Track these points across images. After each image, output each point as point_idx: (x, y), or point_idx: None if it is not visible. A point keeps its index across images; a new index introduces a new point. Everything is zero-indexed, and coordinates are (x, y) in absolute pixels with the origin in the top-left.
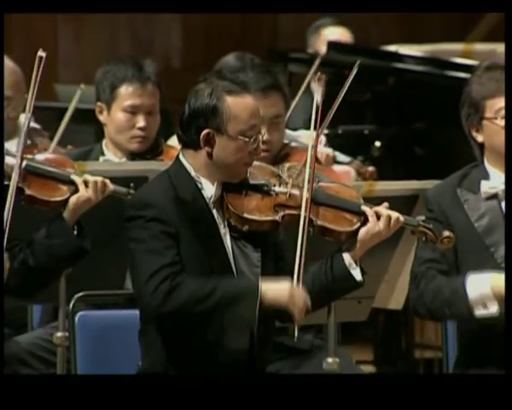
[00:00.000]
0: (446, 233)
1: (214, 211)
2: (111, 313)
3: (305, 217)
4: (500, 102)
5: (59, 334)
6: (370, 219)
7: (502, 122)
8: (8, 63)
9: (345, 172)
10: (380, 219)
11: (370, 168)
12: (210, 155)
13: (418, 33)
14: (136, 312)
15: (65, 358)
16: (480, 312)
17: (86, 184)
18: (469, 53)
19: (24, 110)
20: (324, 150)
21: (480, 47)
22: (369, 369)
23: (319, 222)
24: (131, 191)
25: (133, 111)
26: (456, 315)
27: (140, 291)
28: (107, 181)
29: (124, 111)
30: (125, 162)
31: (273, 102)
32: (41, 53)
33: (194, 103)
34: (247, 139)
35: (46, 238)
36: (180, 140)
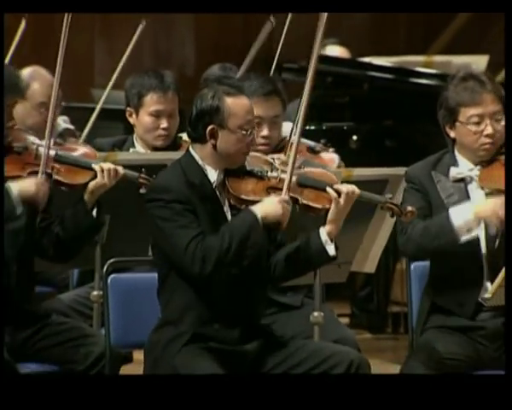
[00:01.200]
0: (409, 208)
1: (218, 193)
2: (137, 275)
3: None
4: (471, 111)
5: (95, 293)
6: (334, 200)
7: (472, 127)
8: (46, 74)
9: (330, 158)
10: (341, 196)
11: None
12: (214, 147)
13: (387, 47)
14: None
15: (100, 312)
16: (464, 237)
17: (102, 170)
18: (430, 63)
19: (60, 114)
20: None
21: (438, 59)
22: (346, 321)
23: (304, 201)
24: (142, 175)
25: (157, 115)
26: (443, 245)
27: (180, 263)
28: (119, 168)
29: (150, 115)
30: (149, 153)
31: (273, 104)
32: None
33: (200, 104)
34: (244, 132)
35: (72, 216)
36: (189, 136)
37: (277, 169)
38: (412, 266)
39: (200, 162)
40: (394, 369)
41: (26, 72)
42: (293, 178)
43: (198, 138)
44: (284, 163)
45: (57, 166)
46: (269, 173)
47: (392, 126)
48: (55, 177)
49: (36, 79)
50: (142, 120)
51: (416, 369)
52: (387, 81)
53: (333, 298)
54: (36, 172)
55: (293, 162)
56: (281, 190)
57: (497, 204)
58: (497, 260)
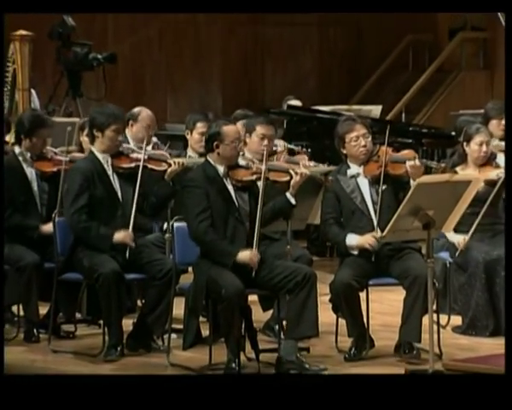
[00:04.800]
0: (329, 178)
1: (224, 179)
2: None
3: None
4: (351, 135)
5: (166, 235)
6: (293, 175)
7: (354, 143)
8: (148, 110)
9: (303, 157)
10: (297, 174)
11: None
12: (218, 154)
13: (326, 100)
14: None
15: (170, 246)
16: (350, 251)
17: (175, 162)
18: (350, 110)
19: (154, 135)
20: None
21: (354, 107)
22: (304, 248)
23: (272, 178)
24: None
25: (202, 134)
26: (339, 250)
27: (189, 226)
28: (185, 162)
29: (198, 134)
30: (196, 158)
31: (271, 129)
32: None
33: (209, 131)
34: (234, 144)
35: (158, 188)
36: (205, 149)
37: (254, 163)
38: None
39: (212, 163)
40: (331, 277)
41: (137, 108)
42: (265, 167)
43: (209, 150)
44: (260, 161)
45: (151, 160)
46: (251, 165)
47: (330, 144)
48: (150, 166)
49: (143, 111)
50: (194, 137)
51: (343, 274)
52: (327, 119)
53: (297, 238)
54: (137, 166)
55: (266, 159)
56: (260, 173)
57: (367, 241)
58: (381, 219)
